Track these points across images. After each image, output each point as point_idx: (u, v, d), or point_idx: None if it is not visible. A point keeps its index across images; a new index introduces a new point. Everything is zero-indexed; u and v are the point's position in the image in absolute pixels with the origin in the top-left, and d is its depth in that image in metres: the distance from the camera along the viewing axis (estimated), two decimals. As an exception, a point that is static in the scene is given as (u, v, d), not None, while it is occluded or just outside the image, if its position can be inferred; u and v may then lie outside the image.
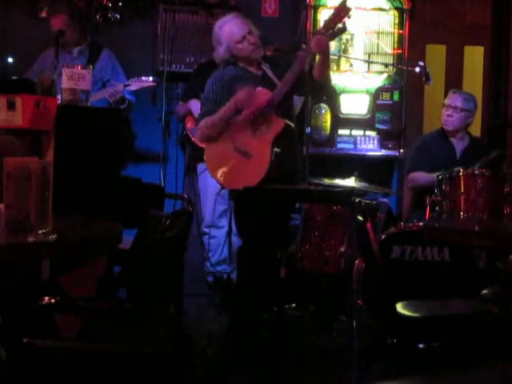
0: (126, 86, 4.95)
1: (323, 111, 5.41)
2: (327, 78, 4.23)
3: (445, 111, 4.92)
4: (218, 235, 5.16)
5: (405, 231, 3.88)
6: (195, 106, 5.04)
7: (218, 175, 4.06)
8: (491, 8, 5.95)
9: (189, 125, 5.20)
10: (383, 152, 5.45)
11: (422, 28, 5.84)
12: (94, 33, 5.49)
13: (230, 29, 4.05)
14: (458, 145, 4.97)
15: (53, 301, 2.26)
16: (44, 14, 5.56)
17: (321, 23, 5.37)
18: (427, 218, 3.92)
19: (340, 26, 5.12)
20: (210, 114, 4.05)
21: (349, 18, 4.02)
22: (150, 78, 5.00)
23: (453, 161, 4.78)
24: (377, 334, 3.51)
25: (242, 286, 4.17)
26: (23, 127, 2.87)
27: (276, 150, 3.98)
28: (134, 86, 4.93)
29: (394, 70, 5.45)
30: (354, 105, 5.47)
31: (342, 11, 3.99)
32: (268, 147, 3.98)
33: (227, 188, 4.25)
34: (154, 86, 5.13)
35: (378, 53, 5.47)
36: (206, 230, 5.20)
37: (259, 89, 4.02)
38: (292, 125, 4.10)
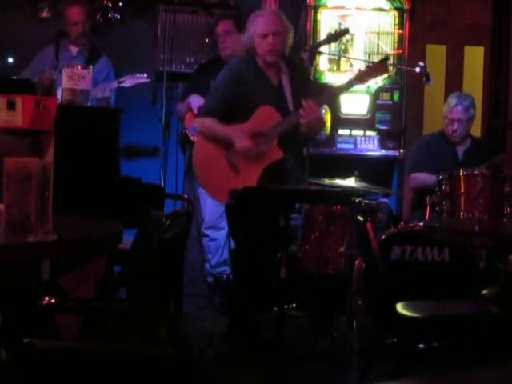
0: (120, 82, 4.94)
1: (323, 111, 5.39)
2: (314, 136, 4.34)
3: (449, 124, 4.88)
4: (218, 237, 5.14)
5: (405, 231, 3.88)
6: (194, 100, 5.00)
7: (200, 173, 4.14)
8: (491, 8, 5.94)
9: (188, 123, 5.16)
10: (383, 152, 5.44)
11: (422, 28, 5.84)
12: (94, 33, 5.48)
13: (259, 21, 4.09)
14: (460, 146, 4.96)
15: (53, 301, 2.25)
16: (45, 14, 5.56)
17: (321, 24, 5.38)
18: (427, 218, 3.93)
19: (342, 27, 5.14)
20: (216, 112, 4.06)
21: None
22: (145, 75, 5.00)
23: (455, 163, 4.76)
24: (377, 334, 3.51)
25: (237, 288, 4.17)
26: (23, 127, 2.87)
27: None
28: (128, 82, 4.92)
29: (394, 70, 5.44)
30: (354, 105, 5.47)
31: (381, 70, 4.03)
32: (258, 172, 4.00)
33: (202, 187, 4.40)
34: (151, 84, 5.12)
35: (378, 53, 5.46)
36: (206, 231, 5.18)
37: (271, 110, 4.03)
38: (291, 158, 4.10)
